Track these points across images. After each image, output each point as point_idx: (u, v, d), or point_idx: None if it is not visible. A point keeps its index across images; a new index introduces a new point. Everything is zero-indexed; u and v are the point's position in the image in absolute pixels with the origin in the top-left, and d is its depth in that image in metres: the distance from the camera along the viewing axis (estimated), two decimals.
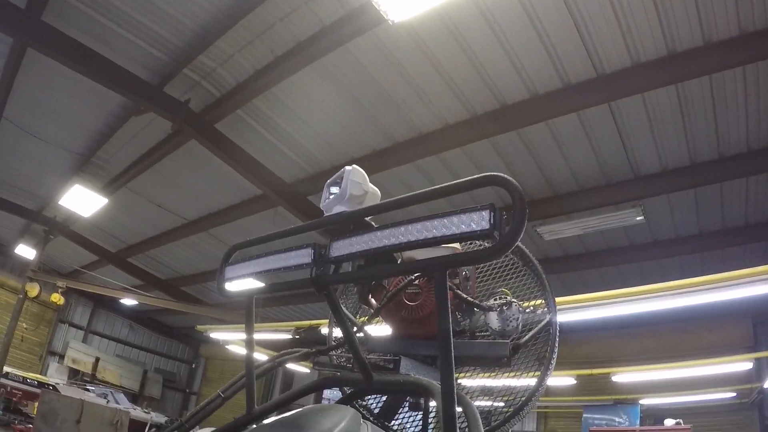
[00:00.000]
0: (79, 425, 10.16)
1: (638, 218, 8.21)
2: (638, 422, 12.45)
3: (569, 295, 6.72)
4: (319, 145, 8.39)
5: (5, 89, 8.90)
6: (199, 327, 14.53)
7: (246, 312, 2.31)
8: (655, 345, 11.68)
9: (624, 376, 11.67)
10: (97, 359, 19.62)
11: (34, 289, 15.42)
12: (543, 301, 2.65)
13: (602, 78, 6.03)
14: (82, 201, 11.15)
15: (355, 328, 2.74)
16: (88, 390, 15.17)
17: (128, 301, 18.35)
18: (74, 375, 18.60)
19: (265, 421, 1.98)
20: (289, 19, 6.40)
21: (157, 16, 6.93)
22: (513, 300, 2.46)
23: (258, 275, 2.21)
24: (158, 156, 9.76)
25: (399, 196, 1.85)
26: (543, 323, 2.56)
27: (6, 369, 13.65)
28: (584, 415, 13.57)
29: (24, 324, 17.32)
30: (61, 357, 19.27)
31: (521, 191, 1.45)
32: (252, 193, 10.19)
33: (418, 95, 7.02)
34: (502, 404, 2.58)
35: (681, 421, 10.66)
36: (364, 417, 2.68)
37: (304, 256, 1.97)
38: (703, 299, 6.06)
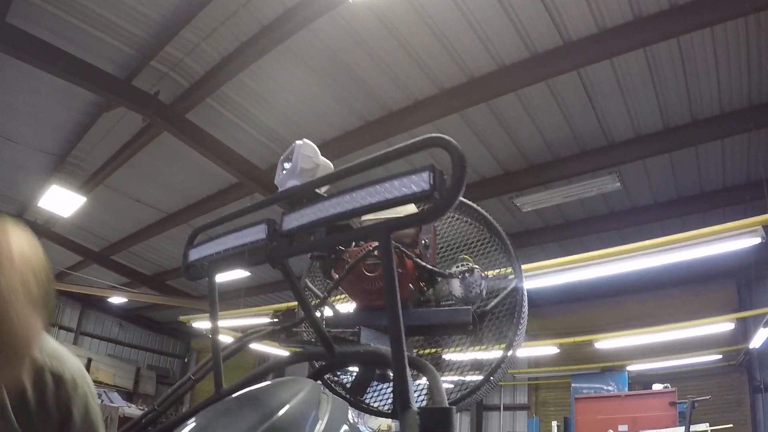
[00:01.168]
0: None
1: (615, 185, 8.26)
2: (626, 389, 12.58)
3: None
4: (291, 128, 8.35)
5: None
6: (182, 318, 14.51)
7: (209, 290, 2.31)
8: (640, 312, 11.80)
9: (607, 342, 11.76)
10: (89, 360, 19.55)
11: None
12: (509, 269, 2.68)
13: (569, 45, 6.03)
14: (60, 201, 11.00)
15: (315, 303, 2.77)
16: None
17: (116, 300, 18.24)
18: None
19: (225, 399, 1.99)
20: (252, 3, 6.35)
21: (120, 9, 6.84)
22: (475, 266, 2.48)
23: (219, 255, 2.22)
24: (133, 150, 9.69)
25: (344, 167, 1.87)
26: (509, 289, 2.58)
27: None
28: (573, 385, 13.71)
29: None
30: None
31: (459, 149, 1.45)
32: (228, 181, 10.15)
33: (386, 73, 7.00)
34: (477, 378, 2.58)
35: (669, 385, 10.80)
36: (335, 392, 2.71)
37: (259, 232, 1.97)
38: (683, 256, 6.08)
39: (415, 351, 2.73)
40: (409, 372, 1.64)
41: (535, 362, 15.34)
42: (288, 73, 7.29)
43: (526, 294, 2.62)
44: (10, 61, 7.56)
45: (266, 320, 10.95)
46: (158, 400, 2.47)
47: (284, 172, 2.13)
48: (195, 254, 2.40)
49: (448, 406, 1.64)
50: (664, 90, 6.61)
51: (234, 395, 1.97)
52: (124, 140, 9.69)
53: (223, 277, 13.59)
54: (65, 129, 9.72)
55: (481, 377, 2.55)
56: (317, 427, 1.49)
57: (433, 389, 1.91)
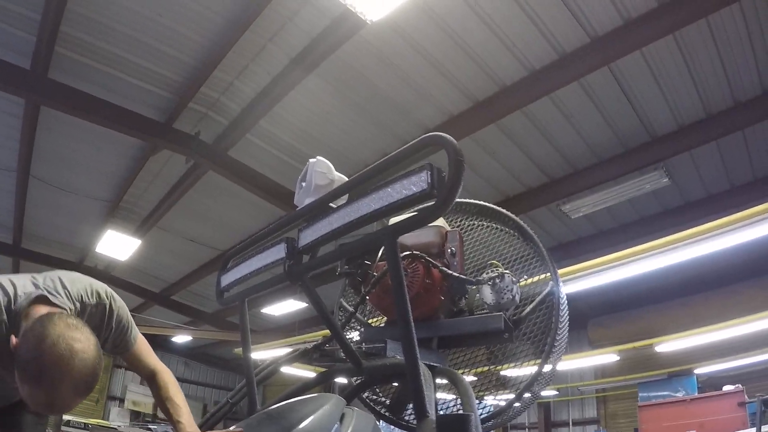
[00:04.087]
0: None
1: (663, 181, 8.00)
2: (695, 393, 12.01)
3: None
4: (330, 155, 8.23)
5: (27, 149, 9.19)
6: (236, 350, 14.70)
7: (240, 315, 2.34)
8: (706, 312, 11.26)
9: (672, 345, 11.28)
10: None
11: None
12: (547, 274, 2.60)
13: (596, 41, 5.91)
14: (117, 246, 11.40)
15: (342, 320, 2.76)
16: (150, 429, 15.45)
17: (180, 339, 18.68)
18: (136, 417, 19.00)
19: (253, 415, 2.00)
20: (278, 37, 6.50)
21: (154, 56, 7.11)
22: (505, 272, 2.42)
23: (246, 277, 2.24)
24: (181, 191, 9.94)
25: (353, 177, 1.86)
26: (543, 293, 2.51)
27: (67, 417, 13.98)
28: (640, 394, 13.20)
29: None
30: (121, 401, 19.71)
31: (456, 145, 1.44)
32: (277, 214, 10.32)
33: (417, 92, 7.01)
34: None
35: (740, 386, 10.29)
36: (374, 411, 2.68)
37: (279, 251, 2.00)
38: (749, 235, 5.75)
39: (466, 370, 2.68)
40: (427, 381, 1.61)
41: (602, 372, 14.90)
42: (320, 101, 7.38)
43: (564, 298, 2.54)
44: (56, 114, 7.96)
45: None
46: (198, 424, 2.50)
47: (301, 190, 2.16)
48: (226, 279, 2.45)
49: (466, 413, 1.61)
50: (701, 75, 6.38)
51: (260, 412, 1.98)
52: (172, 182, 9.97)
53: (278, 309, 13.76)
54: (116, 175, 10.09)
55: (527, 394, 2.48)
56: None
57: (461, 397, 1.88)
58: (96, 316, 2.13)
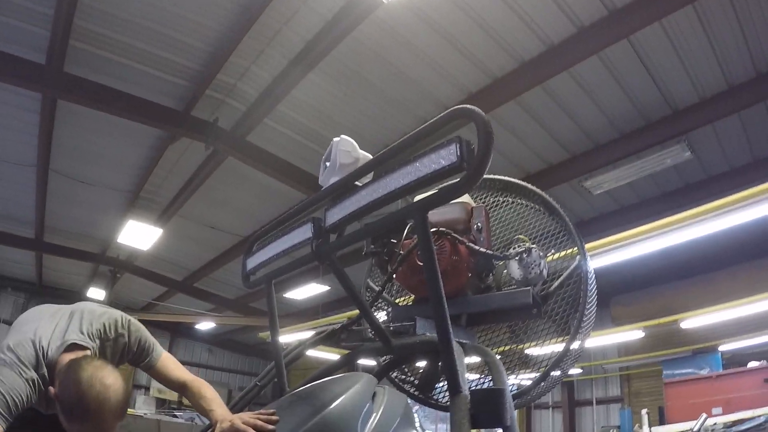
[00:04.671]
0: None
1: (686, 154, 7.89)
2: (720, 369, 11.90)
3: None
4: (352, 137, 8.34)
5: (46, 143, 9.30)
6: (261, 334, 14.83)
7: (267, 298, 2.34)
8: (731, 287, 11.10)
9: (696, 321, 11.14)
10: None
11: None
12: (575, 249, 2.56)
13: (614, 13, 5.79)
14: (139, 235, 11.48)
15: (371, 298, 2.75)
16: (175, 416, 15.68)
17: (204, 326, 18.89)
18: (161, 404, 19.28)
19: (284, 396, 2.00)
20: (293, 21, 6.46)
21: (168, 44, 7.11)
22: (532, 246, 2.39)
23: (273, 259, 2.24)
24: (201, 179, 10.00)
25: (377, 154, 1.84)
26: (571, 268, 2.47)
27: None
28: (664, 372, 13.11)
29: None
30: (147, 389, 20.03)
31: (484, 117, 1.41)
32: (297, 198, 10.32)
33: (435, 70, 6.95)
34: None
35: (766, 362, 10.18)
36: (403, 390, 2.67)
37: (306, 231, 1.99)
38: (762, 211, 5.63)
39: (493, 348, 2.66)
40: (459, 356, 1.60)
41: (625, 350, 14.83)
42: (338, 83, 7.35)
43: (591, 273, 2.50)
44: (73, 107, 8.00)
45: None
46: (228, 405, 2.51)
47: (326, 170, 2.14)
48: (252, 262, 2.44)
49: (500, 387, 1.59)
50: (721, 46, 6.24)
51: (291, 392, 1.98)
52: (192, 170, 10.02)
53: (300, 294, 13.83)
54: (135, 165, 10.16)
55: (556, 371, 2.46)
56: (371, 418, 1.48)
57: (492, 373, 1.86)
58: (117, 346, 2.45)
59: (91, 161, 10.02)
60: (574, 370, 14.87)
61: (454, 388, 1.48)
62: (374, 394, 1.76)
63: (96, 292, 16.37)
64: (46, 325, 2.30)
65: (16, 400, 2.05)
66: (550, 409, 16.80)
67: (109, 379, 2.04)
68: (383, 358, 2.53)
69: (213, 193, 10.66)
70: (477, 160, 1.38)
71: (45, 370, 2.17)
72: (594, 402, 16.03)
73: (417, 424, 1.63)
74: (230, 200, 11.02)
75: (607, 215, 10.00)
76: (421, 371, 2.73)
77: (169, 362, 2.59)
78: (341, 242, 1.88)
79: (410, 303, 2.65)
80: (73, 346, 2.24)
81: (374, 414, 1.44)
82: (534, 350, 2.58)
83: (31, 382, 2.12)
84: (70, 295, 18.47)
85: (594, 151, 8.23)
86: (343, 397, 1.53)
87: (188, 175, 10.20)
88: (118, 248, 13.53)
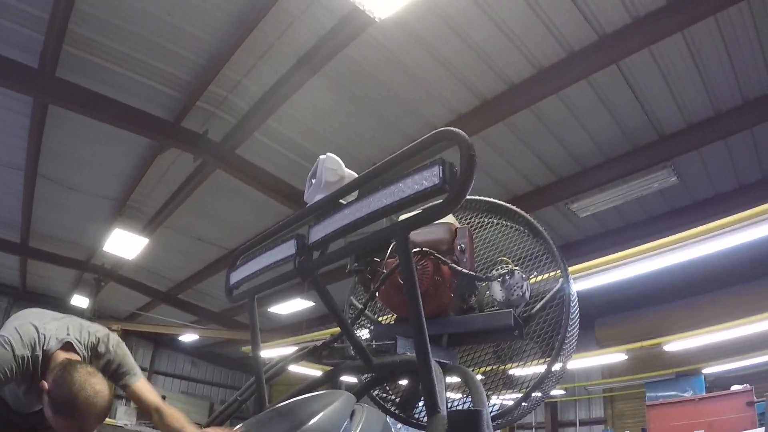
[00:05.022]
0: None
1: (672, 179, 7.97)
2: (703, 392, 11.94)
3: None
4: (338, 153, 8.19)
5: (35, 147, 9.23)
6: (244, 348, 14.77)
7: (249, 312, 2.33)
8: (712, 312, 11.18)
9: (679, 345, 11.22)
10: (163, 398, 20.03)
11: None
12: (558, 272, 2.58)
13: (604, 39, 5.88)
14: (124, 244, 11.40)
15: (352, 316, 2.75)
16: (155, 428, 15.49)
17: (187, 338, 18.73)
18: (142, 416, 19.04)
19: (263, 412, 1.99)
20: (286, 36, 6.49)
21: (162, 55, 7.12)
22: (515, 268, 2.41)
23: (256, 274, 2.24)
24: (189, 190, 9.97)
25: (363, 173, 1.86)
26: (554, 290, 2.49)
27: None
28: (647, 394, 13.14)
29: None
30: (128, 400, 19.78)
31: (467, 140, 1.43)
32: (285, 213, 10.31)
33: (425, 89, 7.00)
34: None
35: (749, 385, 10.23)
36: (384, 409, 2.67)
37: (289, 247, 2.00)
38: (754, 234, 5.70)
39: (474, 369, 2.66)
40: (438, 377, 1.60)
41: (609, 372, 14.86)
42: (328, 99, 7.37)
43: (574, 295, 2.52)
44: (64, 113, 7.99)
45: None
46: (206, 422, 2.51)
47: (311, 187, 2.15)
48: (235, 276, 2.44)
49: (478, 408, 1.59)
50: (709, 73, 6.34)
51: (270, 408, 1.98)
52: (180, 181, 9.99)
53: (285, 309, 13.78)
54: (123, 174, 10.13)
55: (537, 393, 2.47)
56: None
57: (471, 393, 1.87)
58: (101, 361, 2.77)
59: (79, 167, 9.96)
60: (558, 392, 14.90)
61: (432, 408, 1.49)
62: (353, 412, 1.76)
63: (80, 300, 16.24)
64: (49, 321, 2.64)
65: None
66: (534, 430, 16.77)
67: (98, 385, 2.34)
68: (365, 376, 2.53)
69: (200, 204, 10.61)
70: (459, 182, 1.40)
71: (40, 354, 2.48)
72: (577, 423, 16.02)
73: None
74: (217, 213, 10.98)
75: (593, 238, 10.06)
76: (402, 390, 2.73)
77: (145, 386, 2.96)
78: (324, 260, 1.89)
79: (393, 322, 2.65)
80: (69, 346, 2.59)
81: (355, 427, 1.44)
82: (517, 371, 2.59)
83: (20, 359, 2.43)
84: (54, 301, 18.27)
85: (581, 174, 8.29)
86: (321, 414, 1.53)
87: (176, 185, 10.17)
88: (104, 256, 13.42)
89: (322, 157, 2.18)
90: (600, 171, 8.08)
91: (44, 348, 2.49)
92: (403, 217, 1.65)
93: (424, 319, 1.51)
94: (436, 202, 1.49)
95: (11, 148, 9.50)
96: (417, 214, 1.53)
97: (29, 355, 2.45)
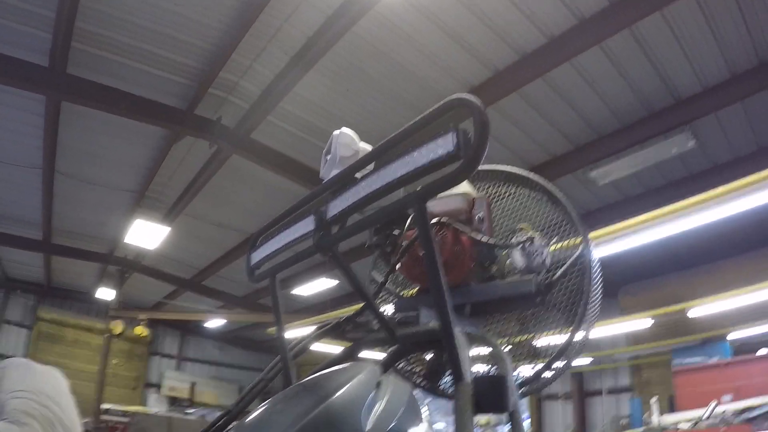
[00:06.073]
0: None
1: (690, 143, 7.86)
2: (729, 357, 11.83)
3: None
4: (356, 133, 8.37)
5: (51, 145, 9.35)
6: (269, 330, 14.87)
7: (271, 291, 2.35)
8: (736, 276, 11.04)
9: (704, 310, 11.10)
10: (193, 384, 20.38)
11: (117, 327, 16.29)
12: (578, 239, 2.57)
13: (615, 4, 5.78)
14: (146, 235, 11.50)
15: (374, 289, 2.76)
16: (186, 413, 15.79)
17: (213, 324, 18.96)
18: (173, 402, 19.42)
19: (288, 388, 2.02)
20: (294, 17, 6.47)
21: (171, 45, 7.16)
22: (534, 235, 2.40)
23: (276, 253, 2.26)
24: (206, 177, 10.01)
25: (377, 146, 1.86)
26: (574, 256, 2.48)
27: (107, 405, 14.33)
28: (674, 360, 13.06)
29: (114, 360, 18.35)
30: (158, 387, 20.17)
31: (480, 106, 1.42)
32: (302, 194, 10.26)
33: (437, 64, 6.96)
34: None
35: None
36: (408, 380, 2.68)
37: (308, 224, 2.01)
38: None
39: (504, 339, 2.67)
40: (462, 345, 1.61)
41: (634, 340, 14.79)
42: (340, 79, 7.36)
43: (596, 261, 2.51)
44: (77, 109, 8.06)
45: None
46: (233, 403, 2.54)
47: (326, 164, 2.16)
48: (256, 257, 2.45)
49: (502, 374, 1.60)
50: (723, 34, 6.22)
51: (296, 384, 1.99)
52: (196, 168, 10.04)
53: (309, 290, 13.86)
54: (140, 165, 10.22)
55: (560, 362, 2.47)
56: (375, 408, 1.49)
57: (496, 361, 1.87)
58: None
59: (96, 162, 10.08)
60: (584, 361, 14.84)
61: (457, 375, 1.49)
62: (379, 384, 1.77)
63: (105, 292, 16.46)
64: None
65: None
66: (561, 400, 16.78)
67: None
68: (389, 349, 2.55)
69: (218, 191, 10.68)
70: (474, 147, 1.39)
71: None
72: (604, 392, 16.01)
73: (423, 414, 1.64)
74: (236, 198, 11.06)
75: (613, 206, 9.99)
76: (427, 363, 2.75)
77: None
78: (342, 234, 1.89)
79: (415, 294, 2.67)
80: None
81: (378, 403, 1.45)
82: (542, 341, 2.60)
83: None
84: (80, 296, 18.60)
85: (598, 141, 8.22)
86: (347, 386, 1.53)
87: (193, 173, 10.23)
88: (126, 248, 13.57)
89: (336, 132, 2.18)
90: (617, 138, 8.00)
91: None
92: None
93: (444, 287, 1.51)
94: (451, 170, 1.48)
95: (28, 148, 9.62)
96: (433, 181, 1.53)
97: None
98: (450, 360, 1.55)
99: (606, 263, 2.57)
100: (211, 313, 17.01)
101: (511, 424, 1.49)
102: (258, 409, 1.65)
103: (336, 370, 1.92)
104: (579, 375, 16.14)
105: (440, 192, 1.54)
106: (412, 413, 1.64)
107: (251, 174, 9.81)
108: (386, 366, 2.45)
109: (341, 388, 1.61)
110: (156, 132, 9.04)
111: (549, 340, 2.51)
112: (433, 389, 2.72)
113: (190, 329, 21.42)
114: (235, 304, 17.09)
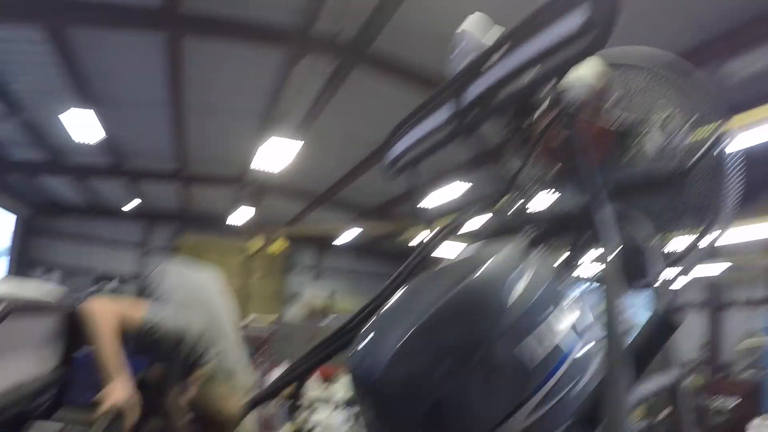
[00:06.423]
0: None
1: None
2: None
3: None
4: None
5: (176, 80, 9.85)
6: (409, 233, 15.16)
7: (410, 184, 2.42)
8: None
9: None
10: (332, 293, 21.44)
11: (256, 244, 17.29)
12: (717, 123, 2.46)
13: None
14: (277, 153, 11.62)
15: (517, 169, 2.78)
16: (326, 322, 16.71)
17: (349, 236, 19.41)
18: (313, 313, 20.65)
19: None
20: None
21: None
22: (667, 116, 2.33)
23: (417, 142, 2.33)
24: (332, 91, 10.15)
25: (506, 29, 1.87)
26: (712, 140, 2.38)
27: (249, 318, 15.45)
28: None
29: (255, 276, 20.02)
30: (298, 299, 21.44)
31: None
32: None
33: None
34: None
35: None
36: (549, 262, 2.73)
37: (446, 111, 2.08)
38: None
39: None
40: (609, 215, 1.66)
41: None
42: None
43: (736, 150, 2.38)
44: (196, 44, 8.34)
45: None
46: (372, 297, 2.66)
47: (455, 57, 2.19)
48: (396, 150, 2.52)
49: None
50: None
51: (441, 264, 2.11)
52: (320, 85, 10.11)
53: (441, 200, 13.68)
54: (266, 87, 10.50)
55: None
56: (518, 284, 1.56)
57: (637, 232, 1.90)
58: None
59: (223, 91, 10.52)
60: (720, 266, 13.93)
61: (609, 239, 1.54)
62: (521, 262, 1.83)
63: (242, 213, 17.04)
64: None
65: None
66: (695, 309, 16.07)
67: None
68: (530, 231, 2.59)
69: (345, 104, 10.73)
70: (607, 12, 1.39)
71: None
72: (740, 304, 15.18)
73: (566, 292, 1.69)
74: (363, 109, 11.06)
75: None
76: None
77: None
78: (481, 115, 1.94)
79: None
80: None
81: (521, 280, 1.52)
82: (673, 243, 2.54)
83: None
84: (218, 220, 19.51)
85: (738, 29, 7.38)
86: (489, 262, 1.61)
87: (318, 90, 10.31)
88: (258, 169, 14.15)
89: (459, 30, 2.19)
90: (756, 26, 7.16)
91: None
92: None
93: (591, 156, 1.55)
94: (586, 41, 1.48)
95: (155, 85, 10.13)
96: (566, 55, 1.53)
97: None
98: (599, 227, 1.61)
99: (752, 155, 2.40)
100: (346, 225, 17.48)
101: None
102: (407, 286, 1.77)
103: (478, 249, 2.01)
104: (714, 283, 15.34)
105: (576, 63, 1.55)
106: (553, 290, 1.71)
107: (377, 83, 9.75)
108: (529, 246, 2.51)
109: (483, 264, 1.70)
110: (276, 53, 9.16)
111: (682, 239, 2.46)
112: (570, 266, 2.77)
113: (325, 242, 22.12)
114: (369, 215, 17.43)
